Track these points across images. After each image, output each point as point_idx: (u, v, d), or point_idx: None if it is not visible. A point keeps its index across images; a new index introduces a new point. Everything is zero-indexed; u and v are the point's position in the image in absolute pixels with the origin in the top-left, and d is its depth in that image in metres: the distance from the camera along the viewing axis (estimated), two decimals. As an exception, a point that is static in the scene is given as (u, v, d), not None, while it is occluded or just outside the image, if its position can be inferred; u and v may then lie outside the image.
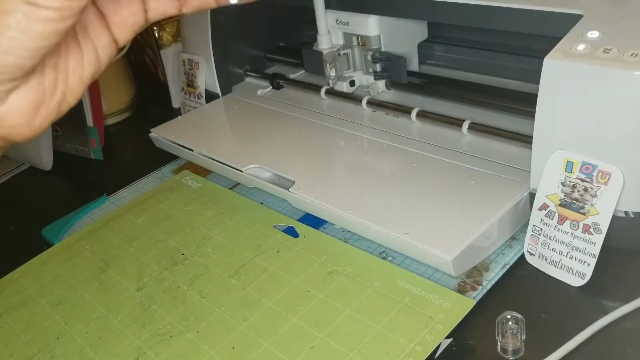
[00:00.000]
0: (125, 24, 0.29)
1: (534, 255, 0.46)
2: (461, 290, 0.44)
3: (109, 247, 0.56)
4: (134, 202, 0.63)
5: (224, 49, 0.75)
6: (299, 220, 0.55)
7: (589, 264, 0.43)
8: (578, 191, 0.43)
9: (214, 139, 0.66)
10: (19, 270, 0.56)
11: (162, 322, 0.46)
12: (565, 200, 0.44)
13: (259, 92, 0.76)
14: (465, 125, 0.58)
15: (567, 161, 0.43)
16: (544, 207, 0.45)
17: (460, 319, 0.41)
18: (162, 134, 0.69)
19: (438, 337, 0.40)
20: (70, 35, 0.28)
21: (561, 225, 0.44)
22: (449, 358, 0.40)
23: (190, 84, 0.78)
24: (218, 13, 0.72)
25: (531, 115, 0.45)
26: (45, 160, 0.76)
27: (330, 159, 0.60)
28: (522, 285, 0.45)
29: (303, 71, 0.77)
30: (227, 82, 0.77)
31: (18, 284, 0.54)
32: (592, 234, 0.42)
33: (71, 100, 0.29)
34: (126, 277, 0.52)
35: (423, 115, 0.62)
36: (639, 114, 0.40)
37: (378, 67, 0.67)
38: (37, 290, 0.53)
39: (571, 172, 0.43)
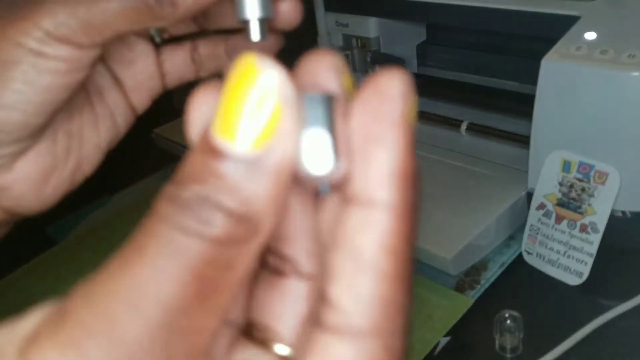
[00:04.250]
0: (141, 89, 0.27)
1: (531, 254, 0.46)
2: (459, 288, 0.45)
3: (112, 246, 0.56)
4: (136, 203, 0.63)
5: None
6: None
7: (586, 263, 0.43)
8: (575, 191, 0.43)
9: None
10: (23, 269, 0.56)
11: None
12: (563, 200, 0.44)
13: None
14: (464, 126, 0.58)
15: (565, 161, 0.44)
16: (542, 206, 0.45)
17: (459, 318, 0.42)
18: (164, 135, 0.70)
19: (436, 335, 0.41)
20: (84, 100, 0.26)
21: (558, 224, 0.44)
22: (447, 356, 0.40)
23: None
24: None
25: (529, 116, 0.45)
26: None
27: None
28: (520, 283, 0.45)
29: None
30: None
31: (21, 283, 0.54)
32: (590, 233, 0.43)
33: (87, 169, 0.27)
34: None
35: (422, 116, 0.62)
36: (636, 114, 0.40)
37: (377, 69, 0.67)
38: (41, 289, 0.53)
39: (568, 172, 0.44)
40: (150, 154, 0.72)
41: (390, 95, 0.14)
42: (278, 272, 0.16)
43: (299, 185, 0.15)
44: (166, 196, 0.13)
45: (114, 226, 0.60)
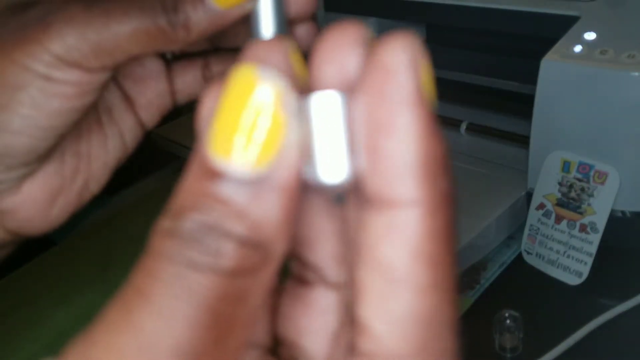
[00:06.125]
0: (151, 107, 0.26)
1: (531, 254, 0.46)
2: (458, 288, 0.45)
3: (112, 246, 0.57)
4: (136, 202, 0.63)
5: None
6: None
7: (586, 263, 0.43)
8: (575, 191, 0.44)
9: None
10: (23, 269, 0.56)
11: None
12: (563, 200, 0.44)
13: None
14: (463, 126, 0.58)
15: (564, 161, 0.44)
16: (541, 206, 0.45)
17: (458, 318, 0.42)
18: (164, 134, 0.70)
19: (436, 335, 0.41)
20: (93, 119, 0.25)
21: (558, 224, 0.44)
22: (447, 356, 0.40)
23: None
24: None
25: (529, 116, 0.45)
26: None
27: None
28: (519, 283, 0.45)
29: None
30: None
31: (21, 283, 0.55)
32: (589, 233, 0.43)
33: (94, 189, 0.26)
34: (129, 276, 0.52)
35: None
36: (636, 114, 0.40)
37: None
38: (41, 289, 0.53)
39: (568, 172, 0.44)
40: (150, 154, 0.72)
41: (394, 69, 0.11)
42: (303, 282, 0.14)
43: (316, 191, 0.13)
44: (163, 231, 0.12)
45: (114, 226, 0.60)
